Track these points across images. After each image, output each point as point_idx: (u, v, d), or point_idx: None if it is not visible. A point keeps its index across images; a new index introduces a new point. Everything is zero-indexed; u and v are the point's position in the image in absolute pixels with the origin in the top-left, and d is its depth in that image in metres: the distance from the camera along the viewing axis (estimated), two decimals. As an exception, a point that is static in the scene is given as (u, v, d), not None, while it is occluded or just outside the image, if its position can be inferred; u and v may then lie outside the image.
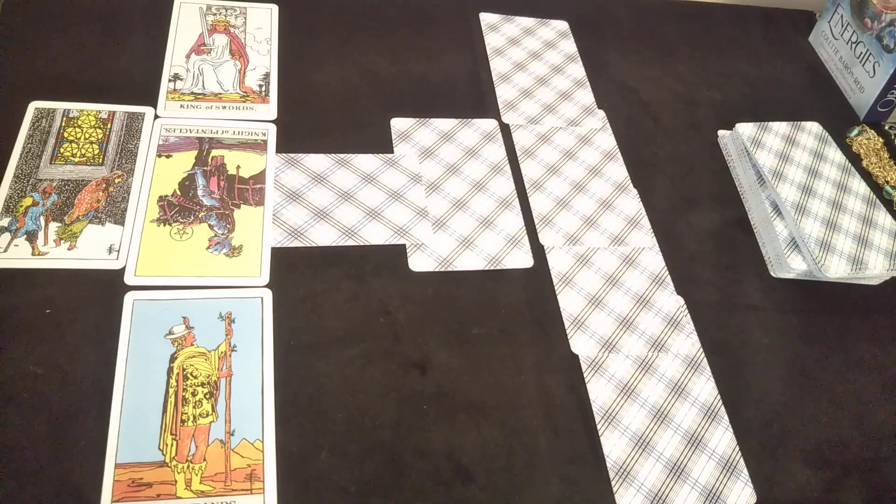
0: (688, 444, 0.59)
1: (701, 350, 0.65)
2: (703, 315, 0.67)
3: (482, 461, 0.56)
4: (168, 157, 0.69)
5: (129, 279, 0.60)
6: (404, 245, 0.67)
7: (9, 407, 0.52)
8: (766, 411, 0.62)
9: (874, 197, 0.76)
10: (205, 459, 0.52)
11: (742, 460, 0.59)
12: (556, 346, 0.63)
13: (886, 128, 0.89)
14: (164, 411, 0.54)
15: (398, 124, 0.76)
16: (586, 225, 0.72)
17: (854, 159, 0.84)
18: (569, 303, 0.66)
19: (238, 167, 0.69)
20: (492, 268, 0.67)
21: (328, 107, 0.76)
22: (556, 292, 0.66)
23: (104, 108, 0.71)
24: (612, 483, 0.56)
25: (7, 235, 0.61)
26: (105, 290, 0.59)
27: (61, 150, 0.67)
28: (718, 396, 0.62)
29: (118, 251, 0.61)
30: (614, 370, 0.62)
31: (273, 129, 0.73)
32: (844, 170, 0.78)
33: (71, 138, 0.68)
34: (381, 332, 0.61)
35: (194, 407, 0.54)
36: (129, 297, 0.59)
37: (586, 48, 0.89)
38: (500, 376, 0.60)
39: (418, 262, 0.66)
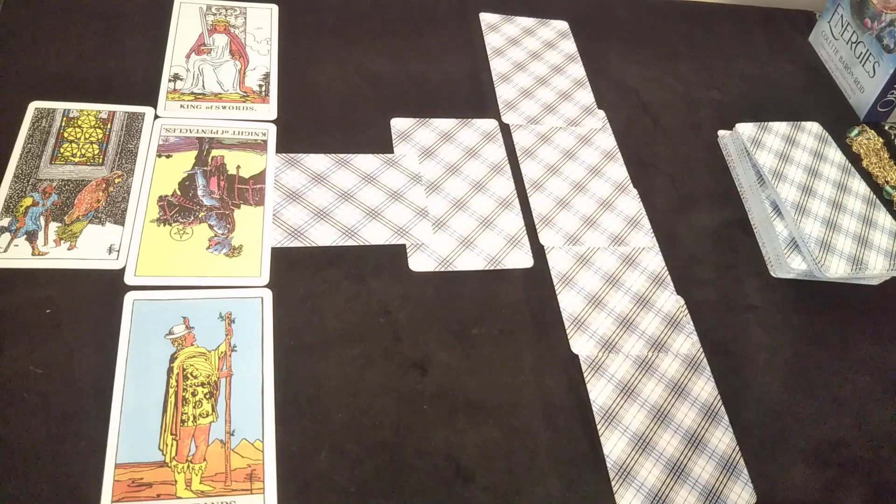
0: (688, 444, 0.59)
1: (701, 350, 0.65)
2: (703, 315, 0.67)
3: (482, 461, 0.56)
4: (168, 157, 0.69)
5: (129, 279, 0.60)
6: (404, 245, 0.67)
7: (9, 407, 0.52)
8: (766, 411, 0.62)
9: (874, 197, 0.76)
10: (205, 459, 0.52)
11: (742, 460, 0.59)
12: (556, 346, 0.63)
13: (886, 128, 0.89)
14: (164, 411, 0.54)
15: (398, 124, 0.76)
16: (586, 225, 0.72)
17: (854, 159, 0.84)
18: (569, 303, 0.66)
19: (238, 167, 0.69)
20: (492, 268, 0.67)
21: (328, 107, 0.76)
22: (556, 292, 0.66)
23: (104, 108, 0.71)
24: (612, 483, 0.56)
25: (7, 235, 0.61)
26: (105, 290, 0.59)
27: (61, 150, 0.67)
28: (718, 396, 0.62)
29: (118, 251, 0.61)
30: (614, 370, 0.62)
31: (273, 129, 0.73)
32: (844, 170, 0.78)
33: (71, 138, 0.68)
34: (381, 332, 0.61)
35: (194, 407, 0.54)
36: (129, 297, 0.59)
37: (586, 48, 0.89)
38: (500, 376, 0.60)
39: (418, 262, 0.66)
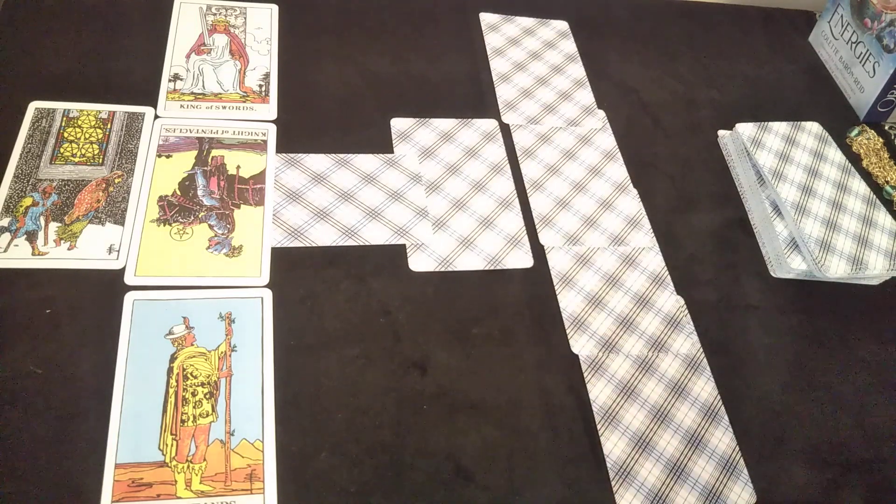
0: (688, 444, 0.59)
1: (701, 350, 0.65)
2: (703, 315, 0.67)
3: (482, 461, 0.56)
4: (168, 157, 0.69)
5: (129, 279, 0.60)
6: (404, 245, 0.67)
7: (9, 407, 0.52)
8: (766, 411, 0.62)
9: (874, 197, 0.76)
10: (205, 459, 0.52)
11: (742, 460, 0.59)
12: (556, 346, 0.63)
13: (886, 128, 0.89)
14: (164, 411, 0.54)
15: (398, 124, 0.76)
16: (586, 225, 0.72)
17: (854, 159, 0.84)
18: (569, 303, 0.66)
19: (238, 167, 0.69)
20: (492, 268, 0.67)
21: (328, 107, 0.76)
22: (556, 292, 0.66)
23: (104, 108, 0.71)
24: (612, 483, 0.56)
25: (7, 235, 0.61)
26: (105, 290, 0.59)
27: (61, 150, 0.67)
28: (718, 396, 0.62)
29: (118, 251, 0.61)
30: (614, 370, 0.62)
31: (273, 129, 0.73)
32: (844, 170, 0.78)
33: (71, 138, 0.68)
34: (381, 332, 0.61)
35: (194, 407, 0.54)
36: (129, 297, 0.59)
37: (586, 48, 0.89)
38: (500, 376, 0.60)
39: (418, 262, 0.66)
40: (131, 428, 0.53)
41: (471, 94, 0.81)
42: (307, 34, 0.83)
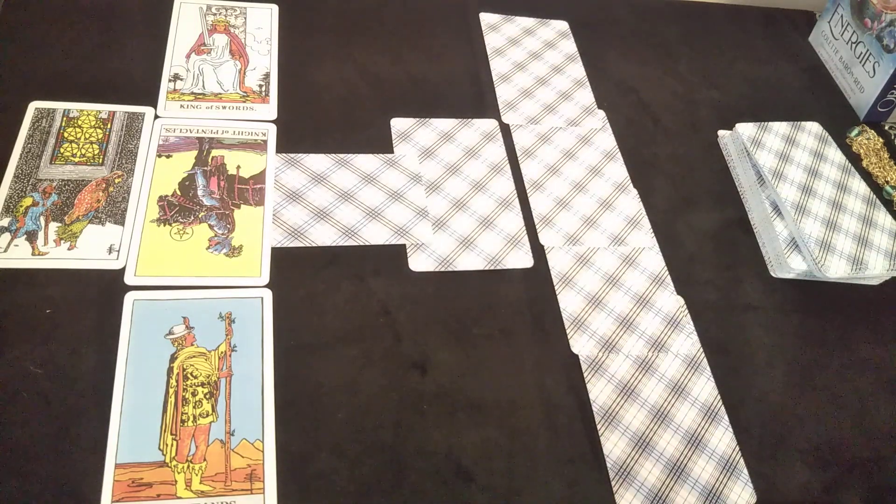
0: (688, 444, 0.59)
1: (701, 350, 0.65)
2: (703, 315, 0.67)
3: (482, 461, 0.56)
4: (168, 157, 0.69)
5: (129, 279, 0.60)
6: (404, 245, 0.67)
7: (9, 407, 0.52)
8: (766, 411, 0.62)
9: (874, 197, 0.76)
10: (205, 459, 0.52)
11: (742, 460, 0.59)
12: (556, 346, 0.63)
13: (886, 128, 0.89)
14: (164, 411, 0.54)
15: (398, 124, 0.76)
16: (586, 225, 0.72)
17: (854, 159, 0.84)
18: (569, 303, 0.66)
19: (238, 167, 0.69)
20: (492, 268, 0.67)
21: (328, 107, 0.76)
22: (556, 292, 0.66)
23: (104, 108, 0.71)
24: (612, 483, 0.56)
25: (7, 235, 0.61)
26: (105, 290, 0.59)
27: (61, 150, 0.67)
28: (718, 396, 0.62)
29: (118, 251, 0.61)
30: (614, 370, 0.62)
31: (273, 129, 0.73)
32: (844, 170, 0.78)
33: (71, 138, 0.68)
34: (381, 332, 0.61)
35: (194, 407, 0.54)
36: (129, 297, 0.59)
37: (586, 48, 0.89)
38: (500, 376, 0.60)
39: (418, 262, 0.66)
40: (131, 428, 0.53)
41: (471, 94, 0.81)
42: (307, 34, 0.83)
